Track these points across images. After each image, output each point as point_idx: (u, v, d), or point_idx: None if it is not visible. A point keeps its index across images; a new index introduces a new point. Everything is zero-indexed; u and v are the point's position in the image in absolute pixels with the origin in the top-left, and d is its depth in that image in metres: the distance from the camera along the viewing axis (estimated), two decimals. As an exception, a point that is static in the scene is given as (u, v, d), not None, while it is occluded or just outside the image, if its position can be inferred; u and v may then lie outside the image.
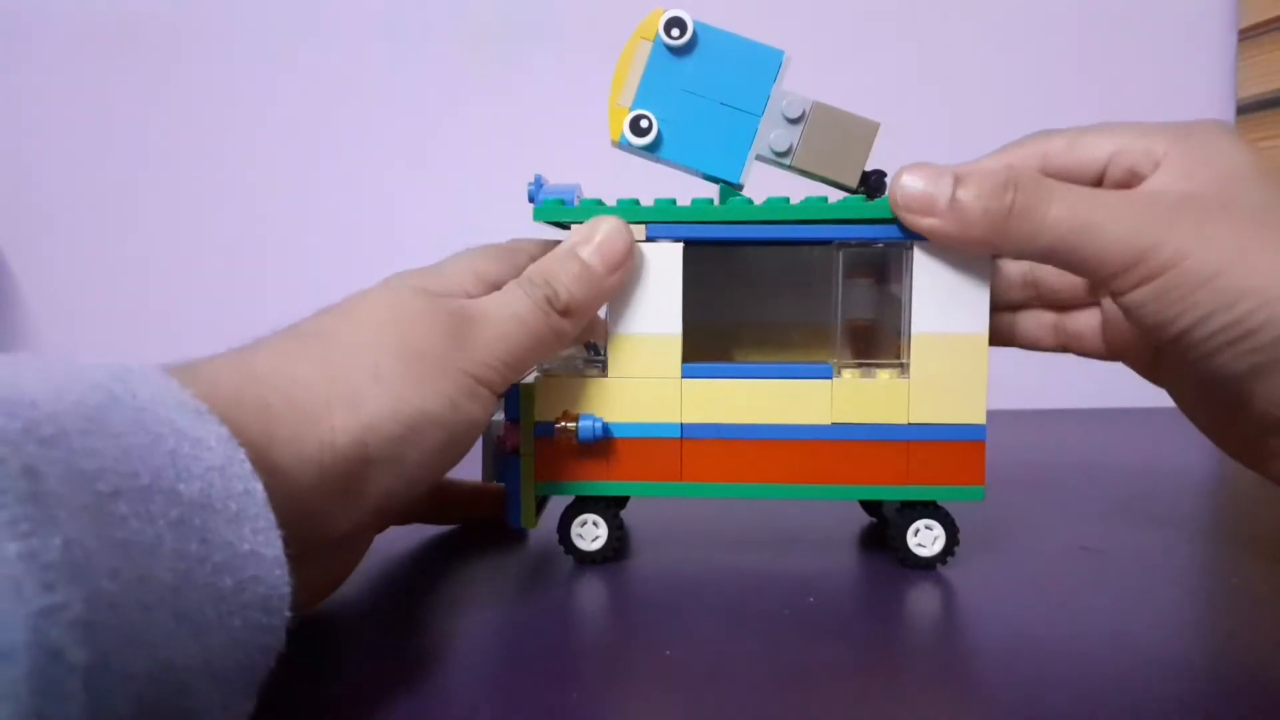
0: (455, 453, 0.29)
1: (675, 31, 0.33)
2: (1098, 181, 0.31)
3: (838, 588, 0.32)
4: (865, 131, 0.33)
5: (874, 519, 0.40)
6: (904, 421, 0.33)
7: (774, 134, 0.33)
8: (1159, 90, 0.73)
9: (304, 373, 0.25)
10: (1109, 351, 0.36)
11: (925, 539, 0.34)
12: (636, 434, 0.34)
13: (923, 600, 0.31)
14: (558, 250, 0.32)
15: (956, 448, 0.33)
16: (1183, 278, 0.27)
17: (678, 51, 0.33)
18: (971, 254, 0.32)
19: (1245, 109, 0.71)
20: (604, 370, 0.34)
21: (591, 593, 0.32)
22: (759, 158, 0.34)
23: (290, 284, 0.71)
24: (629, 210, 0.33)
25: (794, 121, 0.33)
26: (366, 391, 0.25)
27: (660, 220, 0.33)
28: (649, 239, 0.33)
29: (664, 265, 0.33)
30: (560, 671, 0.26)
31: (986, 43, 0.73)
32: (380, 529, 0.34)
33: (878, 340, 0.35)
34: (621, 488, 0.34)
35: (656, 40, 0.33)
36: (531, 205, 0.34)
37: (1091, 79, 0.73)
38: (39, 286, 0.76)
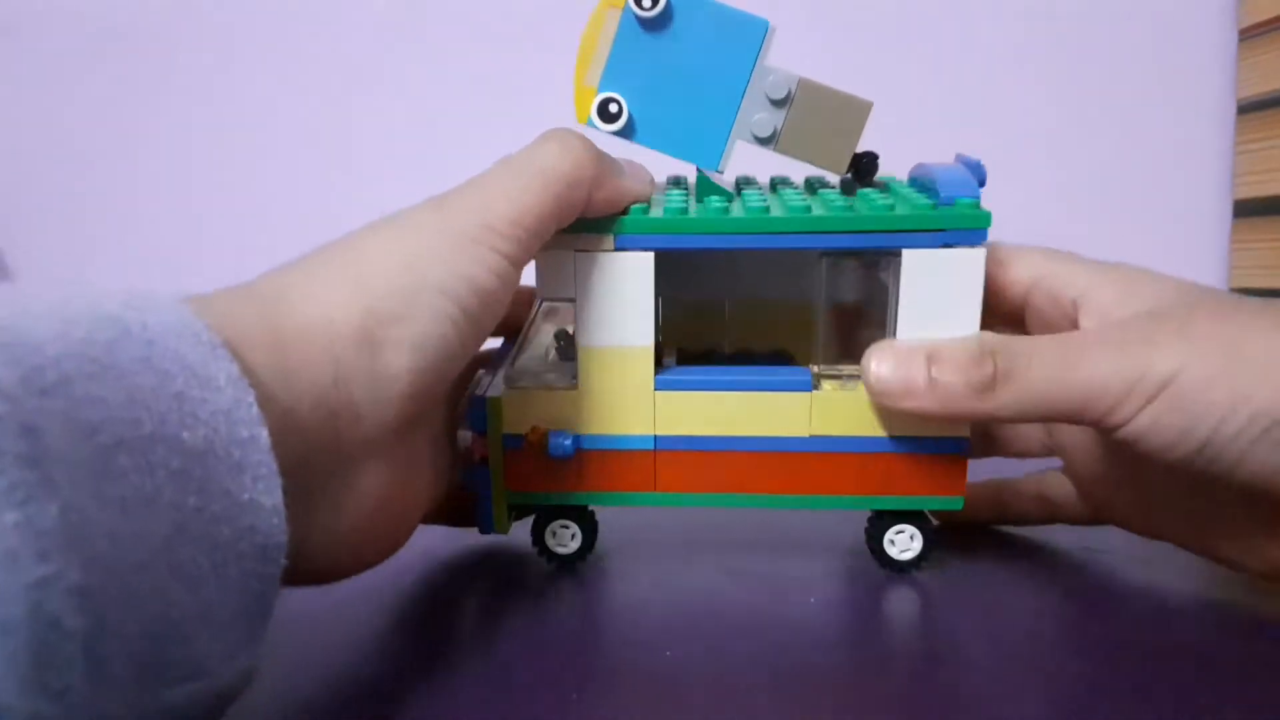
0: (471, 328, 0.26)
1: (647, 0, 0.30)
2: (1023, 304, 0.32)
3: (836, 590, 0.32)
4: (857, 112, 0.30)
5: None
6: (884, 434, 0.31)
7: (756, 117, 0.30)
8: (1159, 90, 0.71)
9: (317, 271, 0.25)
10: (1091, 507, 0.35)
11: (902, 543, 0.32)
12: (609, 446, 0.31)
13: (922, 603, 0.31)
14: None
15: (938, 461, 0.31)
16: (1186, 387, 0.26)
17: (649, 23, 0.30)
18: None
19: (1245, 109, 0.69)
20: (574, 381, 0.31)
21: (590, 595, 0.32)
22: (741, 140, 0.31)
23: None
24: (597, 221, 0.30)
25: (778, 103, 0.30)
26: (370, 272, 0.25)
27: (630, 232, 0.30)
28: (618, 249, 0.30)
29: (634, 276, 0.30)
30: (559, 672, 0.26)
31: (985, 41, 0.71)
32: (427, 510, 0.31)
33: (864, 325, 0.32)
34: (594, 498, 0.32)
35: (625, 9, 0.30)
36: None
37: (1091, 78, 0.71)
38: (41, 286, 0.74)
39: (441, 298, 0.25)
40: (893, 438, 0.31)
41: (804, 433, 0.31)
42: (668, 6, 0.30)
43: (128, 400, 0.17)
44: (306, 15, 0.71)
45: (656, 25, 0.30)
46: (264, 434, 0.19)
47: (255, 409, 0.19)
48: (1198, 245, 0.71)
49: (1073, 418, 0.27)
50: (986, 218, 0.29)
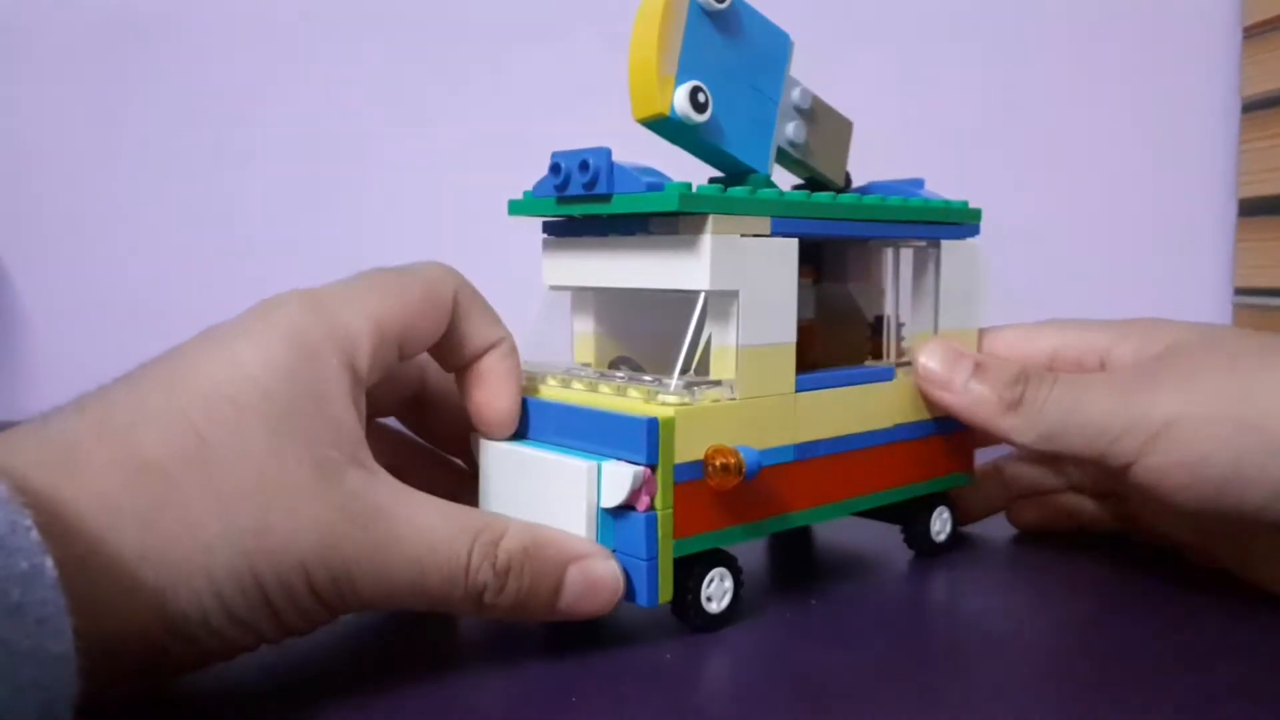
0: None
1: None
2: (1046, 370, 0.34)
3: (837, 591, 0.32)
4: (847, 129, 0.33)
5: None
6: (926, 418, 0.34)
7: (791, 125, 0.31)
8: (1163, 89, 0.72)
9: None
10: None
11: (939, 526, 0.35)
12: (767, 462, 0.28)
13: (924, 602, 0.32)
14: (545, 539, 0.25)
15: (957, 438, 0.35)
16: (1190, 430, 0.26)
17: (715, 18, 0.29)
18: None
19: (1250, 107, 0.70)
20: (731, 391, 0.28)
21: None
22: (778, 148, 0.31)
23: (291, 283, 0.67)
24: (753, 201, 0.28)
25: (804, 114, 0.31)
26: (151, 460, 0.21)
27: (782, 214, 0.29)
28: (774, 234, 0.28)
29: (786, 263, 0.29)
30: (559, 673, 0.25)
31: (986, 41, 0.71)
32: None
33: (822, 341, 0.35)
34: (755, 529, 0.29)
35: (692, 1, 0.29)
36: (557, 189, 0.29)
37: (1094, 78, 0.72)
38: (37, 287, 0.74)
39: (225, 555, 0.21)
40: (931, 420, 0.34)
41: (889, 423, 0.33)
42: (732, 5, 0.29)
43: None
44: (308, 15, 0.71)
45: (720, 22, 0.29)
46: (48, 563, 0.16)
47: (35, 533, 0.16)
48: (1202, 244, 0.71)
49: (1082, 454, 0.29)
50: (978, 213, 0.35)
